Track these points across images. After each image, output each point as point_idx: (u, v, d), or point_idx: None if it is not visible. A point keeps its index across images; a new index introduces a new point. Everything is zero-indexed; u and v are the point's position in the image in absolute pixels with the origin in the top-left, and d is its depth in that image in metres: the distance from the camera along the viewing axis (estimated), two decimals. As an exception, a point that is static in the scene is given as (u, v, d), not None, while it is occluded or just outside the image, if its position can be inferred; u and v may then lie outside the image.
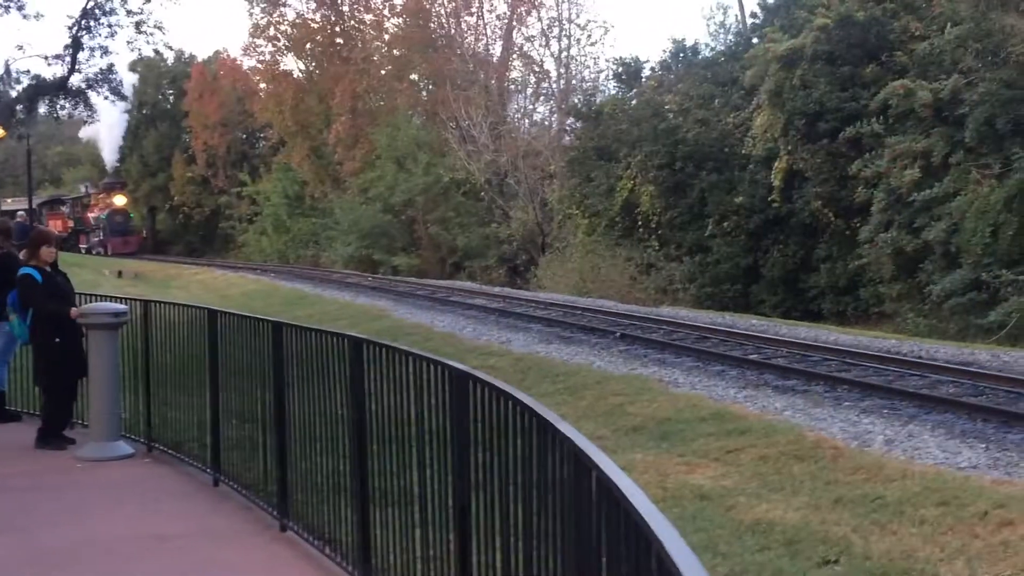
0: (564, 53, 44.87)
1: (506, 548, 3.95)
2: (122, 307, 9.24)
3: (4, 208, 57.76)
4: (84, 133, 67.41)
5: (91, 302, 9.80)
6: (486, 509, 4.17)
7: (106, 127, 61.94)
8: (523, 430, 3.72)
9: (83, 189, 67.76)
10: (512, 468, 3.87)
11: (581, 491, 3.00)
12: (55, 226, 61.24)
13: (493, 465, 4.08)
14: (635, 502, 2.42)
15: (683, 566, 2.09)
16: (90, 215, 63.64)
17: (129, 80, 58.30)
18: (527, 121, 46.82)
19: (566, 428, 3.27)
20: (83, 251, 60.41)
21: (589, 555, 2.94)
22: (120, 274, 40.15)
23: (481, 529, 4.25)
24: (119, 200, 61.32)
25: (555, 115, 44.83)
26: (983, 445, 9.92)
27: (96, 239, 61.95)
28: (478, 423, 4.24)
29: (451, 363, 4.58)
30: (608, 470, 2.73)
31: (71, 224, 64.11)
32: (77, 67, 34.37)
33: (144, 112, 67.88)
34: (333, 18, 55.16)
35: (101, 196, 63.43)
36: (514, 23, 48.56)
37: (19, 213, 47.00)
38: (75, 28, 33.96)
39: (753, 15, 37.46)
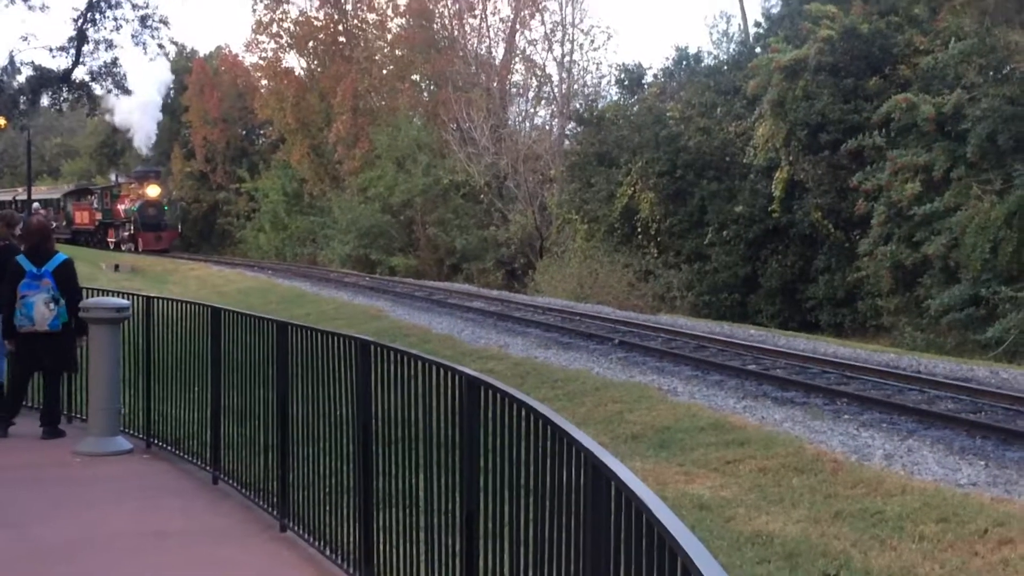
0: (567, 57, 44.99)
1: (514, 554, 3.93)
2: (124, 302, 9.19)
3: (15, 198, 55.86)
4: (118, 118, 61.73)
5: (92, 296, 9.74)
6: (494, 515, 4.15)
7: (140, 109, 58.53)
8: (536, 438, 3.70)
9: (113, 178, 61.64)
10: (523, 475, 3.85)
11: (599, 501, 2.98)
12: (82, 218, 57.60)
13: (503, 471, 4.06)
14: (660, 516, 2.41)
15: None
16: (120, 207, 56.74)
17: (163, 64, 56.59)
18: (528, 124, 46.84)
19: (582, 437, 3.25)
20: (111, 247, 55.43)
21: (605, 565, 2.92)
22: (117, 268, 40.06)
23: (488, 535, 4.22)
24: (152, 191, 54.80)
25: (556, 119, 44.86)
26: (982, 462, 9.92)
27: (126, 234, 55.69)
28: (489, 429, 4.22)
29: (464, 369, 4.56)
30: (629, 481, 2.71)
31: (99, 217, 58.06)
32: (81, 60, 34.41)
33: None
34: (336, 16, 55.25)
35: (132, 186, 56.69)
36: (517, 26, 48.66)
37: (35, 205, 45.50)
38: (80, 21, 34.01)
39: (757, 25, 37.57)
